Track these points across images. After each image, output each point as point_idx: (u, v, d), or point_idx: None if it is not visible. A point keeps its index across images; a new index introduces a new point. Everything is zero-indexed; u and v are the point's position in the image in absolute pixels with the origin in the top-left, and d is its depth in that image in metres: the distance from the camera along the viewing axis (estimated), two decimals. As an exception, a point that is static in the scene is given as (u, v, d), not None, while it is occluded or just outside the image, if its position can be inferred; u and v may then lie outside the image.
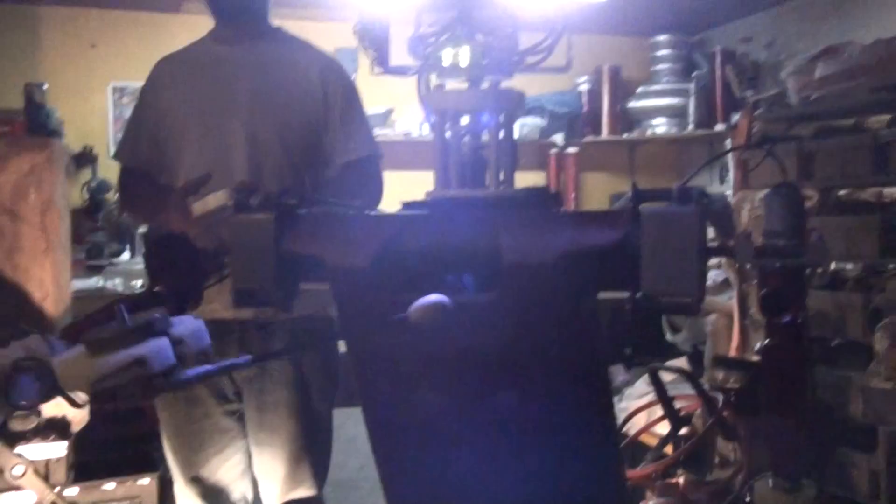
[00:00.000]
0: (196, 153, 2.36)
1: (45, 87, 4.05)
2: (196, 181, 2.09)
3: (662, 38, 5.68)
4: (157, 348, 1.33)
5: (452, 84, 1.38)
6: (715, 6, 5.34)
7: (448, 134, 1.36)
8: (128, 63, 4.82)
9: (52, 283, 3.20)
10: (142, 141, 2.46)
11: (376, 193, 2.49)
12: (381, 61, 1.40)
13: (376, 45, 1.40)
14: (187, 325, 1.44)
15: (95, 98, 4.87)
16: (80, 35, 4.90)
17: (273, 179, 2.32)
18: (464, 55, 1.32)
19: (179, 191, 2.13)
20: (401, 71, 1.40)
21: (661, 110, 5.61)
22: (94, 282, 4.28)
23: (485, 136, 1.37)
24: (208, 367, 1.42)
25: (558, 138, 5.69)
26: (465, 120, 1.37)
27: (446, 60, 1.33)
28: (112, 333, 1.32)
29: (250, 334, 2.34)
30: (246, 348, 2.27)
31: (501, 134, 1.36)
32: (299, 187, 2.32)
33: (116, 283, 4.24)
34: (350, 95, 2.48)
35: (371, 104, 5.73)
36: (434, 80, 1.38)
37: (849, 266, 3.11)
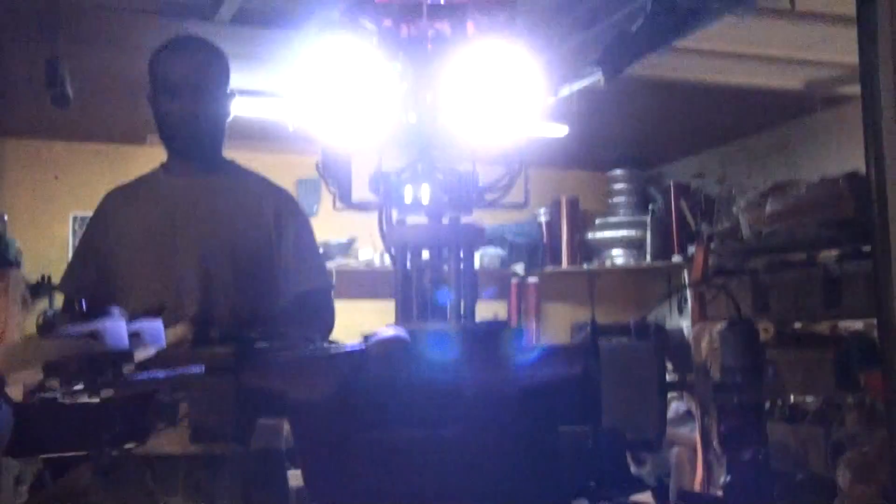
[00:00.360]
0: (146, 284, 2.32)
1: (6, 217, 4.04)
2: (148, 312, 2.06)
3: (618, 172, 5.85)
4: (113, 327, 1.30)
5: (413, 219, 1.41)
6: (667, 144, 5.54)
7: (409, 267, 1.38)
8: (91, 193, 4.79)
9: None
10: (88, 271, 2.42)
11: (328, 323, 2.50)
12: (344, 197, 1.43)
13: (338, 180, 1.42)
14: (146, 322, 1.41)
15: (56, 228, 4.87)
16: (43, 166, 4.94)
17: (225, 311, 2.30)
18: (424, 193, 1.36)
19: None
20: (363, 207, 1.43)
21: (619, 242, 5.72)
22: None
23: (445, 269, 1.39)
24: (160, 372, 1.37)
25: (519, 268, 5.76)
26: (425, 254, 1.39)
27: (408, 197, 1.36)
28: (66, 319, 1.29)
29: (199, 470, 2.28)
30: (193, 485, 2.21)
31: (462, 268, 1.38)
32: (251, 318, 2.31)
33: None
34: (302, 228, 2.50)
35: (333, 234, 5.82)
36: (395, 214, 1.41)
37: (808, 399, 3.13)
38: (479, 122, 1.34)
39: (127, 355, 1.33)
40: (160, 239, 2.35)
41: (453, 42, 1.36)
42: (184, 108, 2.31)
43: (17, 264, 4.16)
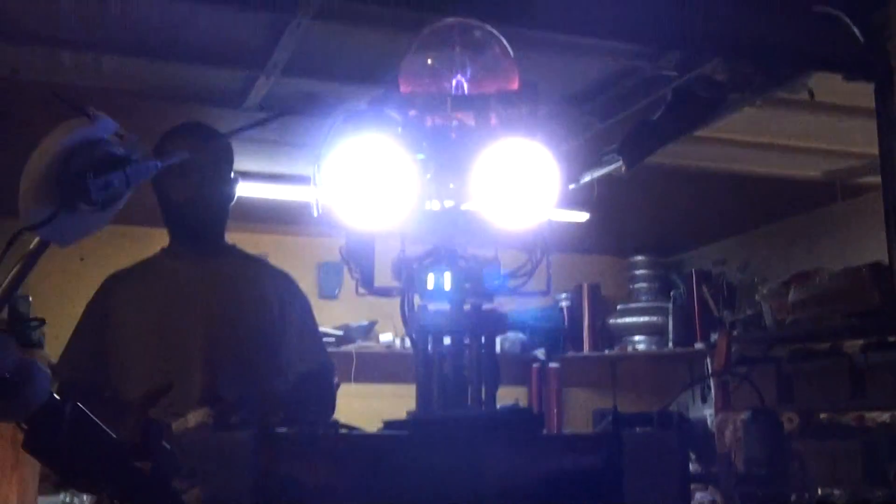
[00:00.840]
0: (149, 368, 2.29)
1: (30, 299, 4.08)
2: (156, 392, 2.05)
3: (640, 258, 5.86)
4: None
5: (435, 305, 1.41)
6: (689, 230, 5.55)
7: (430, 353, 1.38)
8: (114, 275, 4.88)
9: (17, 500, 3.09)
10: (86, 355, 2.40)
11: (330, 404, 2.52)
12: (366, 283, 1.44)
13: (362, 266, 1.44)
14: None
15: (79, 309, 4.88)
16: (68, 248, 4.98)
17: (229, 393, 2.30)
18: (447, 280, 1.37)
19: (140, 403, 2.08)
20: (385, 292, 1.44)
21: (640, 328, 5.70)
22: (61, 498, 4.14)
23: (467, 356, 1.39)
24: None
25: (540, 353, 5.73)
26: (447, 340, 1.40)
27: (430, 284, 1.37)
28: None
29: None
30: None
31: (483, 354, 1.38)
32: (257, 400, 2.31)
33: (84, 501, 4.11)
34: (305, 311, 2.53)
35: (354, 317, 5.82)
36: (417, 300, 1.42)
37: (835, 492, 3.06)
38: (502, 210, 1.36)
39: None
40: (164, 322, 2.35)
41: (476, 132, 1.39)
42: (185, 193, 2.35)
43: (41, 345, 4.18)
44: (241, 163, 4.43)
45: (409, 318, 1.42)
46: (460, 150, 1.37)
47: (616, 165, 3.98)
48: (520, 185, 1.34)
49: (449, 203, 1.41)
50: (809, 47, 3.11)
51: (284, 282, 2.53)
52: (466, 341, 1.39)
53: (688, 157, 4.20)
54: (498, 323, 1.40)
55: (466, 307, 1.39)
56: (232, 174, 2.47)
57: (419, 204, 1.39)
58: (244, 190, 4.51)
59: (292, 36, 3.05)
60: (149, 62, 3.34)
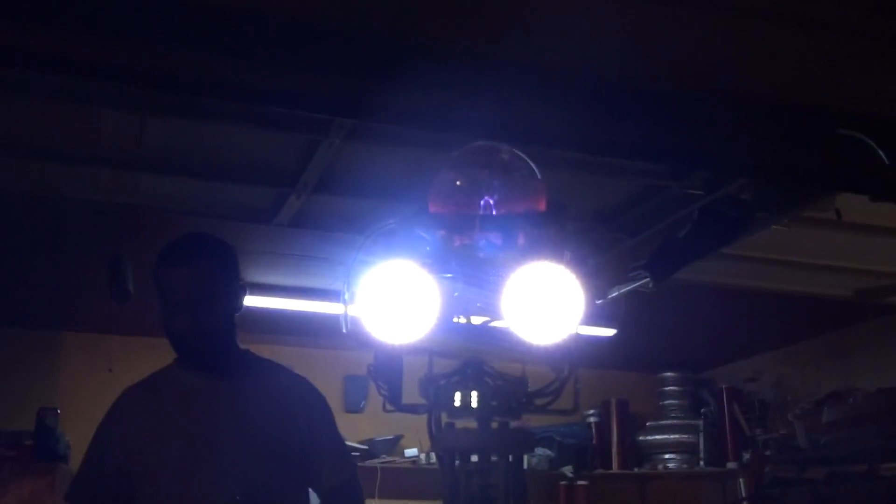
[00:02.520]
0: (177, 488, 2.23)
1: (58, 411, 4.09)
2: None
3: (669, 374, 5.80)
4: None
5: (462, 423, 1.42)
6: (718, 347, 5.51)
7: (457, 471, 1.38)
8: (142, 386, 4.91)
9: None
10: (106, 477, 2.32)
11: None
12: (394, 400, 1.45)
13: (389, 383, 1.45)
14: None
15: (107, 421, 4.91)
16: (99, 360, 5.05)
17: None
18: (474, 398, 1.37)
19: None
20: (413, 410, 1.44)
21: (671, 445, 5.60)
22: None
23: (493, 474, 1.38)
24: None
25: (568, 470, 5.63)
26: (474, 458, 1.39)
27: (457, 402, 1.38)
28: None
29: None
30: None
31: (510, 472, 1.37)
32: None
33: None
34: (330, 419, 2.48)
35: (379, 431, 5.76)
36: (444, 417, 1.42)
37: None
38: (528, 328, 1.37)
39: None
40: (189, 440, 2.28)
41: (504, 252, 1.41)
42: (184, 317, 2.29)
43: (66, 459, 4.17)
44: (267, 276, 4.51)
45: (436, 437, 1.42)
46: (488, 269, 1.40)
47: (644, 281, 3.98)
48: (546, 304, 1.36)
49: (476, 320, 1.42)
50: (835, 169, 3.13)
51: (306, 389, 2.48)
52: (494, 459, 1.38)
53: (716, 273, 4.20)
54: (525, 441, 1.41)
55: (494, 425, 1.39)
56: (238, 283, 2.42)
57: (447, 320, 1.40)
58: (271, 303, 4.58)
59: (324, 155, 3.12)
60: (183, 180, 3.42)
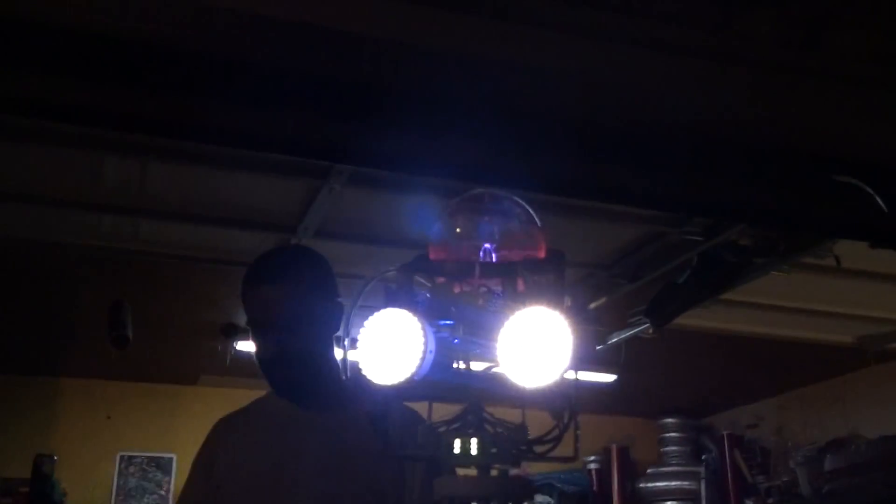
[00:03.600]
0: None
1: (55, 458, 4.07)
2: None
3: (669, 420, 5.77)
4: None
5: (461, 471, 1.41)
6: (719, 393, 5.49)
7: None
8: (139, 433, 4.89)
9: None
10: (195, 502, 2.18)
11: None
12: (391, 449, 1.47)
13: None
14: None
15: (102, 467, 4.88)
16: (96, 405, 5.02)
17: None
18: (474, 445, 1.37)
19: None
20: (412, 458, 1.44)
21: (672, 492, 5.55)
22: None
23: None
24: None
25: (568, 519, 5.57)
26: None
27: (457, 448, 1.37)
28: None
29: None
30: None
31: None
32: None
33: None
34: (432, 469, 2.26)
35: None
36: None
37: None
38: (524, 373, 1.36)
39: None
40: (267, 475, 2.11)
41: (503, 298, 1.42)
42: (273, 342, 2.08)
43: (61, 505, 4.14)
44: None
45: (435, 484, 1.41)
46: (488, 315, 1.40)
47: (644, 327, 3.98)
48: (540, 349, 1.35)
49: (477, 366, 1.42)
50: (833, 216, 3.14)
51: (410, 420, 1.95)
52: None
53: (716, 319, 4.20)
54: (523, 489, 1.40)
55: (493, 472, 1.39)
56: (335, 301, 2.16)
57: (447, 367, 1.40)
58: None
59: (325, 201, 3.14)
60: (184, 226, 3.42)
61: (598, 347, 4.29)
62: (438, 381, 1.37)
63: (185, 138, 2.48)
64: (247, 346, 4.25)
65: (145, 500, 4.73)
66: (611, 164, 2.49)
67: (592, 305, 3.97)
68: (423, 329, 1.34)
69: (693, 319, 3.95)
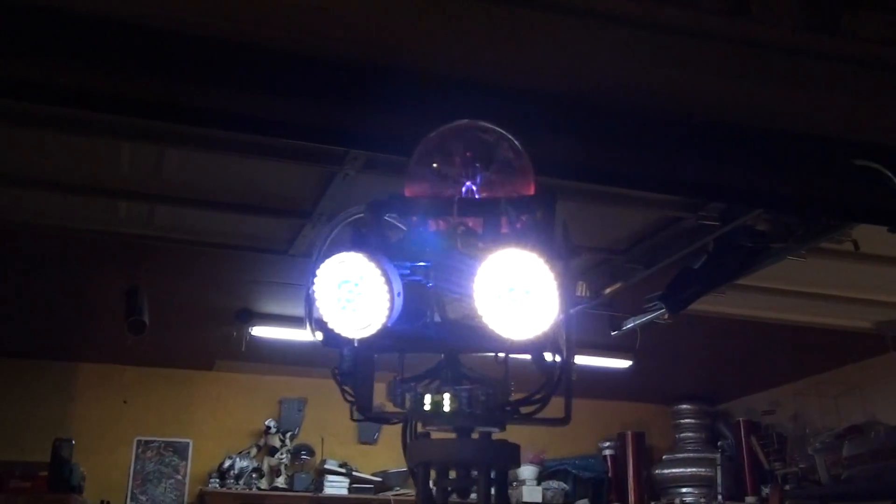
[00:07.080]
0: None
1: (73, 442, 4.11)
2: None
3: (685, 406, 5.75)
4: None
5: (439, 434, 1.29)
6: (735, 379, 5.45)
7: (433, 489, 1.27)
8: (156, 418, 4.94)
9: None
10: None
11: None
12: (362, 408, 1.32)
13: (356, 390, 1.31)
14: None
15: (120, 451, 4.94)
16: (114, 390, 5.07)
17: None
18: (447, 401, 1.23)
19: None
20: (384, 419, 1.32)
21: (688, 479, 5.53)
22: None
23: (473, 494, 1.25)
24: None
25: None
26: (452, 473, 1.28)
27: (427, 405, 1.24)
28: None
29: None
30: None
31: (493, 491, 1.25)
32: None
33: None
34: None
35: (394, 463, 5.67)
36: (420, 427, 1.30)
37: None
38: (505, 321, 1.24)
39: None
40: None
41: (484, 238, 1.29)
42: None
43: (80, 489, 4.18)
44: (283, 307, 4.51)
45: (408, 448, 1.30)
46: (465, 257, 1.27)
47: (659, 313, 3.95)
48: (527, 297, 1.22)
49: (453, 314, 1.30)
50: (851, 200, 3.10)
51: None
52: (474, 474, 1.26)
53: (732, 305, 4.16)
54: (510, 454, 1.27)
55: (475, 436, 1.27)
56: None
57: (419, 315, 1.28)
58: (286, 334, 4.56)
59: (339, 187, 3.13)
60: (200, 211, 3.44)
61: (613, 333, 4.27)
62: (410, 329, 1.25)
63: (199, 125, 2.50)
64: (262, 331, 4.27)
65: (162, 485, 4.79)
66: (628, 149, 2.49)
67: (608, 291, 3.94)
68: (385, 273, 1.22)
69: (709, 305, 3.91)
